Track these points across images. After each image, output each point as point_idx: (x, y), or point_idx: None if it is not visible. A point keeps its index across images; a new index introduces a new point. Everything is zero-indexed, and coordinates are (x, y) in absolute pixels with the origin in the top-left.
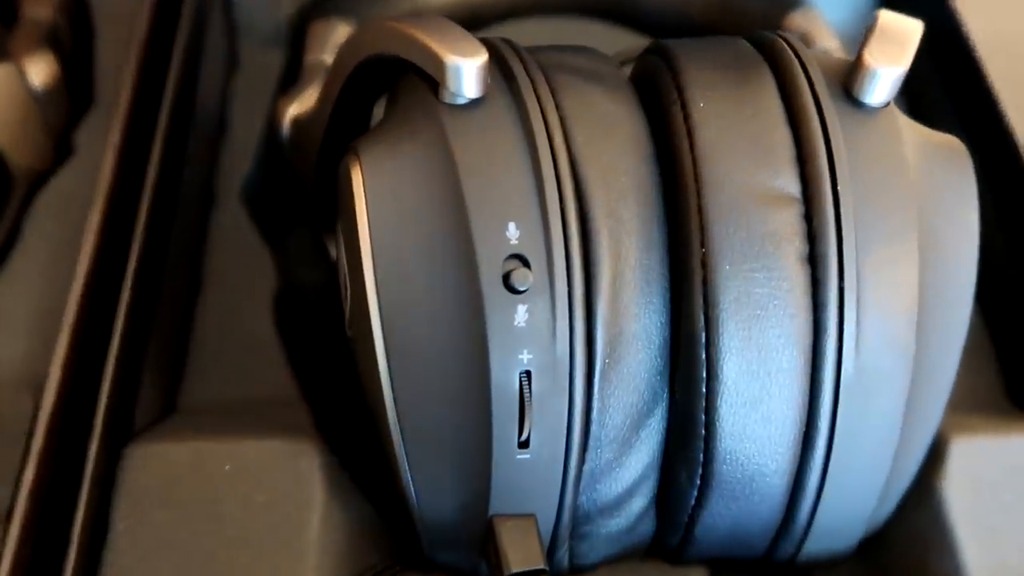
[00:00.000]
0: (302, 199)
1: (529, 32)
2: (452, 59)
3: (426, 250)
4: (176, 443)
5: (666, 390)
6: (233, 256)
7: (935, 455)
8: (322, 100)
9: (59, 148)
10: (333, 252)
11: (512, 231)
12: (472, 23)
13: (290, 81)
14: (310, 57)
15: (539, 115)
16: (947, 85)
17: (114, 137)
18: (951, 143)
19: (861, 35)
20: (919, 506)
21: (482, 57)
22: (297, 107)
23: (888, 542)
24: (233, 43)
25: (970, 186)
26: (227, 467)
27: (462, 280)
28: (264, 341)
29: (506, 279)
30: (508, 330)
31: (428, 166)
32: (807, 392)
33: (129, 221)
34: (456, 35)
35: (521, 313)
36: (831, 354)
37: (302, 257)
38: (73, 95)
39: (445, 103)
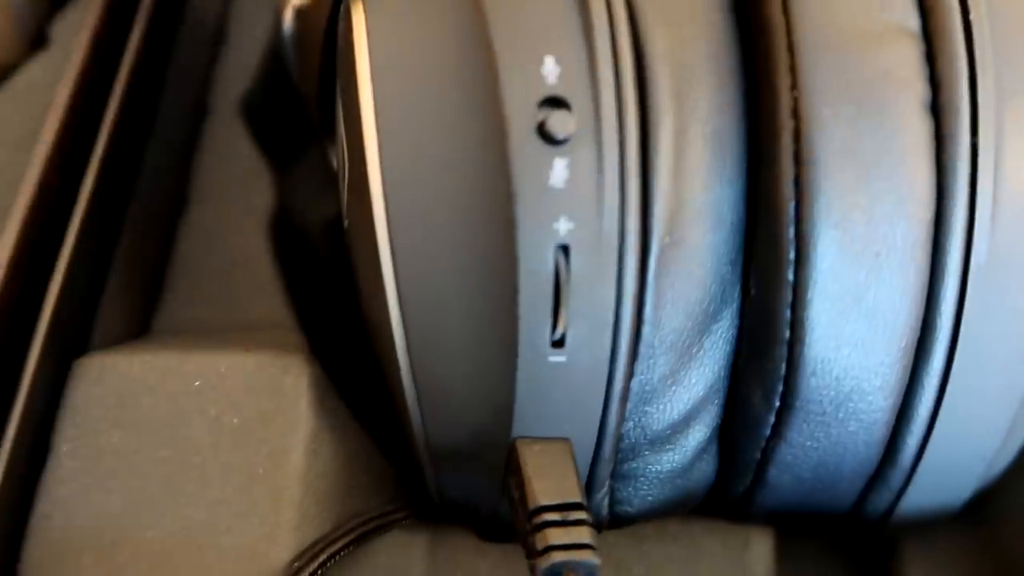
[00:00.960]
0: (307, 117)
1: None
2: None
3: (440, 95)
4: (138, 355)
5: (739, 285)
6: (226, 172)
7: None
8: None
9: (35, 41)
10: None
11: (550, 66)
12: None
13: None
14: None
15: None
16: None
17: (88, 23)
18: None
19: None
20: None
21: None
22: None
23: (1001, 506)
24: None
25: None
26: (196, 383)
27: (485, 130)
28: (254, 263)
29: (541, 125)
30: (542, 191)
31: None
32: (925, 283)
33: (97, 119)
34: None
35: (559, 169)
36: (958, 232)
37: (308, 189)
38: None
39: None
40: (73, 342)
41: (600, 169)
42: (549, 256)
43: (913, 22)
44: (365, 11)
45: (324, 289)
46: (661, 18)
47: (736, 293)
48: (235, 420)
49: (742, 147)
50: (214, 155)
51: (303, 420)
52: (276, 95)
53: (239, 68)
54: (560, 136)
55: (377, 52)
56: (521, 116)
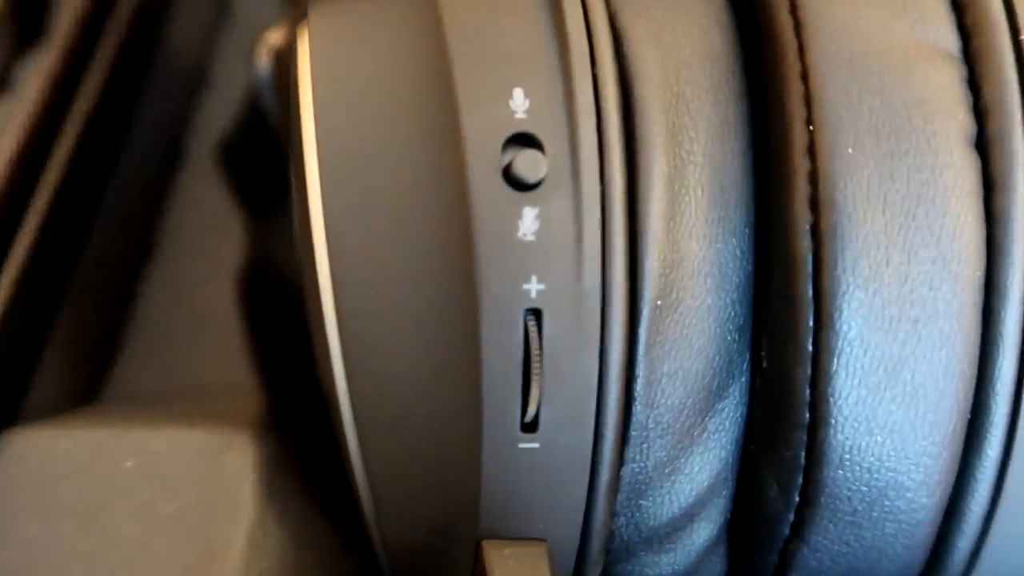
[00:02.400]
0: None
1: None
2: None
3: (391, 134)
4: (67, 430)
5: (748, 355)
6: (198, 222)
7: None
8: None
9: None
10: None
11: (519, 100)
12: None
13: None
14: None
15: None
16: None
17: (43, 73)
18: None
19: None
20: None
21: None
22: (279, 35)
23: None
24: None
25: None
26: (128, 463)
27: (443, 174)
28: (221, 321)
29: (508, 168)
30: (509, 245)
31: (398, 15)
32: (976, 356)
33: (45, 161)
34: None
35: (529, 219)
36: (1015, 295)
37: (288, 239)
38: (23, 27)
39: None
40: (4, 412)
41: (577, 219)
42: (518, 322)
43: (952, 42)
44: (309, 38)
45: (299, 347)
46: (652, 40)
47: (745, 365)
48: (170, 507)
49: (749, 192)
50: (186, 203)
51: (246, 507)
52: (258, 140)
53: (219, 112)
54: (530, 180)
55: (320, 85)
56: (484, 157)
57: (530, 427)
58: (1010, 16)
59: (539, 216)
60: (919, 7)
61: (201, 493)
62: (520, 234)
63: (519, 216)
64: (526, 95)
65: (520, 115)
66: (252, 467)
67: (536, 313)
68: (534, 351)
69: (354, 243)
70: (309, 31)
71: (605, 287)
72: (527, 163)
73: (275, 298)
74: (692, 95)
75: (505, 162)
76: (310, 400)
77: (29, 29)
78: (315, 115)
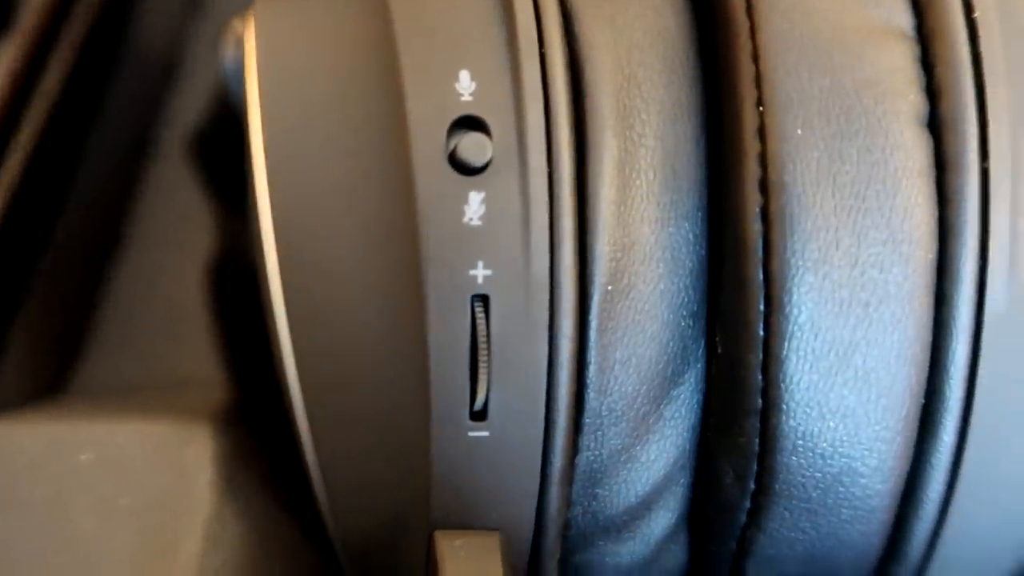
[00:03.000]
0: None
1: None
2: None
3: (335, 118)
4: (24, 425)
5: (703, 341)
6: (169, 213)
7: None
8: None
9: None
10: None
11: (464, 82)
12: None
13: None
14: None
15: None
16: None
17: (9, 53)
18: None
19: None
20: None
21: None
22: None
23: None
24: None
25: None
26: (83, 457)
27: (386, 155)
28: (190, 314)
29: (453, 153)
30: (455, 231)
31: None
32: (929, 337)
33: (2, 150)
34: None
35: (475, 204)
36: (968, 278)
37: (248, 224)
38: None
39: None
40: None
41: (525, 203)
42: (464, 308)
43: (905, 20)
44: (255, 24)
45: (265, 340)
46: (604, 21)
47: (700, 352)
48: (126, 501)
49: (702, 176)
50: (157, 194)
51: (203, 500)
52: (229, 131)
53: (190, 102)
54: (475, 164)
55: (266, 71)
56: (429, 141)
57: (479, 416)
58: None
59: (485, 200)
60: None
61: (159, 487)
62: (466, 219)
63: (465, 200)
64: (472, 77)
65: (466, 98)
66: (211, 460)
67: (484, 299)
68: (481, 338)
69: (301, 229)
70: (255, 16)
71: (553, 272)
72: (472, 146)
73: (244, 290)
74: (644, 77)
75: (451, 146)
76: (274, 393)
77: None
78: (261, 102)
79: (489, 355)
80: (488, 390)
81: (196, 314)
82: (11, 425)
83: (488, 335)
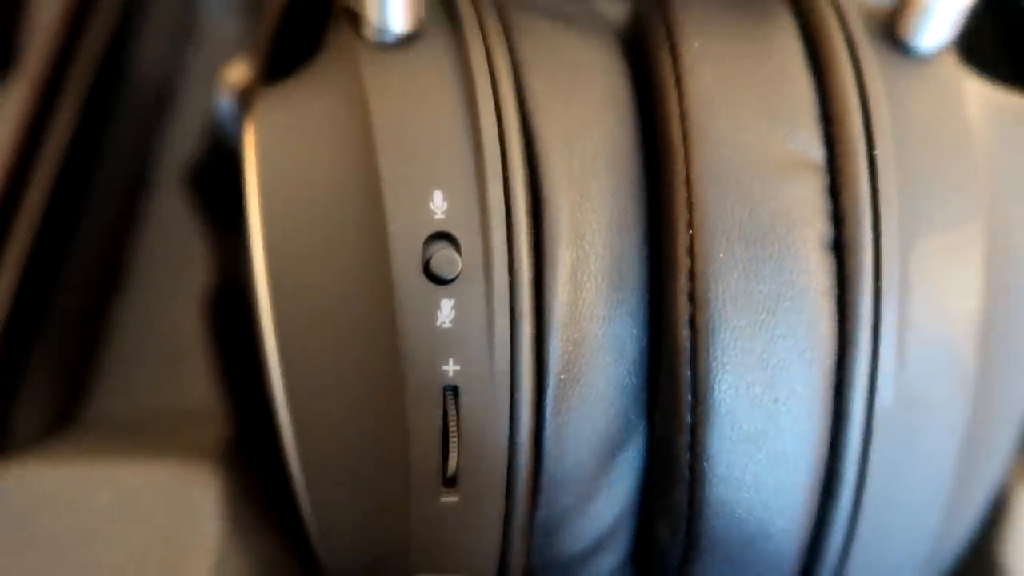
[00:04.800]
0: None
1: None
2: None
3: (326, 228)
4: (47, 464)
5: (643, 417)
6: (166, 248)
7: (997, 511)
8: (254, 53)
9: None
10: None
11: (438, 202)
12: None
13: None
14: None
15: (483, 56)
16: (1001, 33)
17: (17, 106)
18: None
19: None
20: None
21: None
22: (238, 72)
23: None
24: (188, 12)
25: None
26: (102, 497)
27: (371, 266)
28: (189, 348)
29: (427, 264)
30: (429, 332)
31: (334, 116)
32: (829, 426)
33: (20, 201)
34: None
35: (446, 310)
36: (861, 378)
37: (244, 254)
38: None
39: (369, 40)
40: None
41: (489, 309)
42: (438, 397)
43: (818, 152)
44: (254, 129)
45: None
46: (559, 136)
47: (643, 424)
48: (139, 539)
49: (644, 278)
50: (154, 229)
51: (209, 537)
52: (221, 162)
53: (185, 132)
54: (447, 276)
55: (266, 178)
56: (407, 254)
57: (450, 483)
58: (868, 131)
59: (455, 307)
60: (793, 119)
61: (170, 525)
62: (439, 322)
63: (438, 307)
64: (444, 197)
65: (439, 216)
66: (215, 499)
67: (454, 389)
68: (451, 422)
69: (294, 319)
70: (255, 130)
71: (514, 366)
72: (444, 262)
73: (239, 321)
74: (595, 190)
75: (427, 256)
76: (270, 426)
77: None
78: (261, 215)
79: (459, 435)
80: (457, 463)
81: (192, 348)
82: (32, 466)
83: (458, 418)
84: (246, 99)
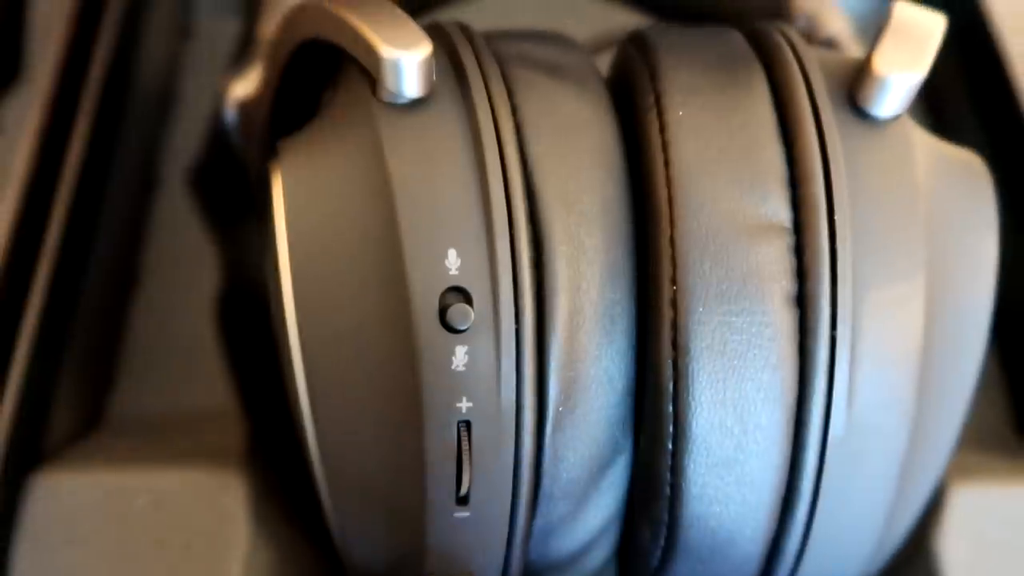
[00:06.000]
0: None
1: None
2: (390, 52)
3: (351, 279)
4: (86, 473)
5: (629, 439)
6: (176, 248)
7: (933, 507)
8: (264, 84)
9: None
10: None
11: (452, 259)
12: None
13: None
14: (262, 28)
15: (490, 121)
16: (972, 88)
17: (34, 116)
18: (970, 161)
19: (876, 27)
20: (911, 566)
21: (424, 51)
22: (244, 87)
23: None
24: (186, 11)
25: (989, 211)
26: (140, 502)
27: (393, 315)
28: (202, 347)
29: (443, 315)
30: (444, 375)
31: (357, 178)
32: (788, 454)
33: (47, 210)
34: (397, 22)
35: (460, 356)
36: (817, 412)
37: (252, 250)
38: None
39: (383, 102)
40: (30, 446)
41: (497, 355)
42: (452, 431)
43: (785, 215)
44: (283, 186)
45: (271, 369)
46: (559, 205)
47: (629, 445)
48: (177, 538)
49: (631, 320)
50: (163, 230)
51: (241, 535)
52: (225, 159)
53: (189, 131)
54: (460, 327)
55: (295, 232)
56: (426, 306)
57: (463, 501)
58: (828, 196)
59: (468, 352)
60: (764, 186)
61: (203, 525)
62: (454, 366)
63: (453, 353)
64: (458, 255)
65: (453, 272)
66: (243, 503)
67: (467, 423)
68: (464, 450)
69: (321, 358)
70: (282, 173)
71: (519, 403)
72: (458, 315)
73: (251, 318)
74: (589, 244)
75: (442, 306)
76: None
77: (5, 70)
78: (289, 255)
79: (471, 461)
80: (469, 485)
81: (204, 347)
82: (72, 474)
83: (470, 448)
84: (264, 145)
